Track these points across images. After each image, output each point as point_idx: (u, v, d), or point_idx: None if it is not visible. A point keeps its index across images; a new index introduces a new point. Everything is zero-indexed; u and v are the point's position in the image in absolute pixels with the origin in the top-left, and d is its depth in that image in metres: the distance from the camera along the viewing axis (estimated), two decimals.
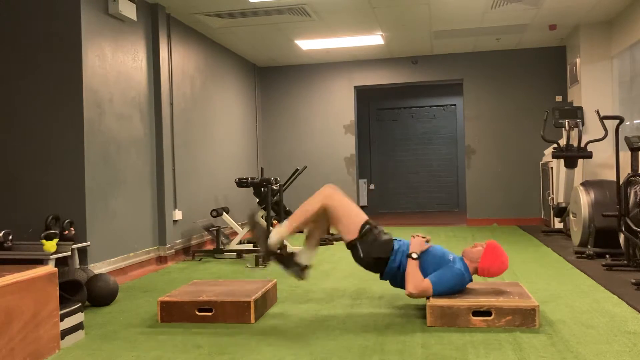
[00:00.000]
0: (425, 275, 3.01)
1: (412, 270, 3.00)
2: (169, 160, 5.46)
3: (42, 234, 3.79)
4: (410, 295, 3.00)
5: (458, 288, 3.02)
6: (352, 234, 3.09)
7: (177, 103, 5.76)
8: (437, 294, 2.97)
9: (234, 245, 5.72)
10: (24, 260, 3.74)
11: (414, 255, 3.03)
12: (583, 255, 4.81)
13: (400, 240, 3.16)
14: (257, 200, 5.83)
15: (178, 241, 5.65)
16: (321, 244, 5.53)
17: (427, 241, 3.15)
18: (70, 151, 4.26)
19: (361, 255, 3.09)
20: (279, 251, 3.17)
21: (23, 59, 4.31)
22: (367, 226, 3.09)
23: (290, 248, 3.29)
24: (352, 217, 3.10)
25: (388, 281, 3.20)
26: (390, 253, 3.08)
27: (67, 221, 4.12)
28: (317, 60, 8.28)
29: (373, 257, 3.08)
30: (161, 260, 5.31)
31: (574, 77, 6.97)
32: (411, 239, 3.14)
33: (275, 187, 5.79)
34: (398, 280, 3.12)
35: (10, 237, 3.87)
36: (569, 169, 5.95)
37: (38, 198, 4.29)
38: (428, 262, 3.05)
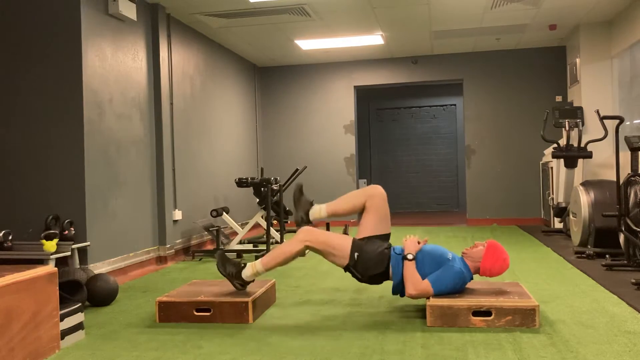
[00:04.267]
0: (424, 275, 3.02)
1: (410, 271, 3.00)
2: (169, 160, 5.46)
3: (42, 234, 3.79)
4: (411, 296, 3.00)
5: (459, 287, 3.02)
6: (344, 259, 3.12)
7: (177, 103, 5.76)
8: (438, 293, 2.97)
9: (234, 245, 5.72)
10: (24, 260, 3.74)
11: (410, 257, 3.03)
12: (583, 255, 4.81)
13: (397, 253, 3.12)
14: (257, 200, 5.83)
15: (178, 241, 5.65)
16: None
17: (425, 241, 3.15)
18: (70, 151, 4.26)
19: (359, 276, 3.14)
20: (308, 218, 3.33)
21: (23, 59, 4.31)
22: (356, 251, 3.10)
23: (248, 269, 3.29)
24: (338, 247, 3.12)
25: (392, 286, 3.20)
26: (385, 265, 3.09)
27: (67, 221, 4.12)
28: (317, 60, 8.28)
29: (370, 275, 3.12)
30: (161, 260, 5.31)
31: (574, 77, 6.97)
32: (404, 241, 3.15)
33: (275, 187, 5.79)
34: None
35: (10, 237, 3.88)
36: (569, 169, 5.95)
37: (38, 198, 4.29)
38: (426, 261, 3.05)
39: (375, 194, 3.24)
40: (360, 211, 3.27)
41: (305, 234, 3.12)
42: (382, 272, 3.10)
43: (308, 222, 3.33)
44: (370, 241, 3.16)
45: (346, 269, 3.14)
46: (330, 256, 3.13)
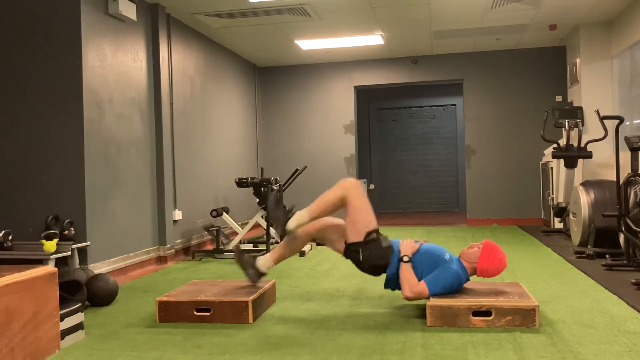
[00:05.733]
0: (422, 275, 3.02)
1: (406, 273, 3.01)
2: (169, 160, 5.46)
3: (42, 234, 3.79)
4: (407, 299, 3.01)
5: (455, 288, 3.02)
6: (359, 235, 3.08)
7: (177, 103, 5.76)
8: (434, 294, 2.97)
9: (234, 245, 5.72)
10: (24, 260, 3.74)
11: (405, 259, 3.03)
12: (583, 255, 4.81)
13: (395, 245, 3.14)
14: (257, 200, 5.83)
15: (178, 241, 5.65)
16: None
17: (424, 241, 3.15)
18: (70, 151, 4.26)
19: (361, 259, 3.09)
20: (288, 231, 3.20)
21: (23, 59, 4.31)
22: (374, 234, 3.09)
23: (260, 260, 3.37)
24: (366, 217, 3.09)
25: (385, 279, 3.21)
26: (388, 260, 3.09)
27: (67, 221, 4.12)
28: (317, 60, 8.28)
29: (372, 264, 3.10)
30: (161, 260, 5.31)
31: (574, 77, 6.97)
32: (401, 242, 3.14)
33: (275, 187, 5.79)
34: (398, 284, 3.12)
35: (10, 237, 3.87)
36: (569, 169, 5.95)
37: (38, 198, 4.29)
38: (423, 261, 3.05)
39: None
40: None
41: (352, 183, 3.11)
42: (384, 265, 3.10)
43: (288, 231, 3.21)
44: (381, 235, 3.16)
45: (352, 246, 3.10)
46: (352, 219, 3.07)
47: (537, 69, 7.88)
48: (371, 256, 3.07)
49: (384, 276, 3.21)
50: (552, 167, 6.86)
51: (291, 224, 3.15)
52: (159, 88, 5.35)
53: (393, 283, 3.13)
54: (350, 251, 3.13)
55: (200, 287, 3.41)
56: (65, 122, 4.27)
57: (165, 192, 5.35)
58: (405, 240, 3.16)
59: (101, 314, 3.38)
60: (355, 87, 8.42)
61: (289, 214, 3.21)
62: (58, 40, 4.27)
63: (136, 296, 3.87)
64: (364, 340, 2.70)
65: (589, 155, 5.88)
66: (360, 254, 3.08)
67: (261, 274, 3.34)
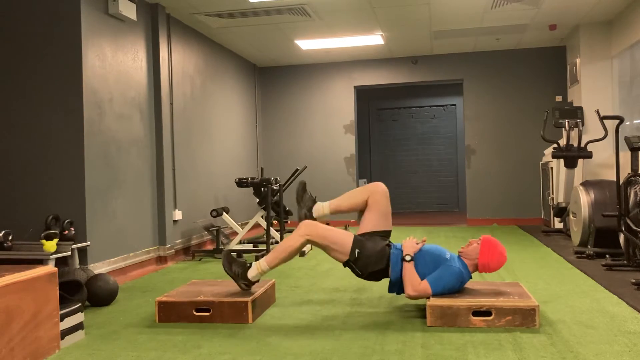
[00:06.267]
0: (423, 275, 3.02)
1: (409, 272, 3.01)
2: (169, 160, 5.46)
3: (42, 234, 3.79)
4: (410, 297, 3.01)
5: (458, 287, 3.02)
6: (345, 255, 3.12)
7: (177, 103, 5.76)
8: (437, 293, 2.97)
9: (234, 245, 5.72)
10: (24, 260, 3.74)
11: (408, 258, 3.04)
12: (583, 255, 4.81)
13: (397, 249, 3.14)
14: (257, 200, 5.84)
15: (178, 241, 5.65)
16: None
17: (424, 242, 3.16)
18: (70, 151, 4.26)
19: (359, 273, 3.14)
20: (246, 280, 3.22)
21: (23, 59, 4.31)
22: (357, 248, 3.10)
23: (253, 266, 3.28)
24: (338, 242, 3.11)
25: (389, 284, 3.21)
26: (385, 262, 3.09)
27: (67, 221, 4.12)
28: (317, 60, 8.28)
29: (370, 272, 3.12)
30: (161, 260, 5.31)
31: (574, 77, 6.97)
32: (403, 242, 3.15)
33: (275, 187, 5.79)
34: (403, 288, 3.12)
35: (10, 237, 3.87)
36: (569, 169, 5.95)
37: (38, 198, 4.29)
38: (425, 262, 3.05)
39: (376, 191, 3.25)
40: (363, 208, 3.28)
41: (307, 228, 3.12)
42: (382, 269, 3.11)
43: (312, 219, 3.32)
44: (371, 238, 3.16)
45: (346, 264, 3.15)
46: (331, 251, 3.13)
47: (537, 69, 7.88)
48: (366, 265, 3.10)
49: (385, 280, 3.21)
50: (552, 167, 6.86)
51: (251, 273, 3.16)
52: (159, 88, 5.35)
53: (397, 287, 3.12)
54: (349, 268, 3.18)
55: (200, 287, 3.41)
56: (66, 122, 4.27)
57: (165, 192, 5.35)
58: (408, 239, 3.16)
59: (101, 314, 3.38)
60: (355, 87, 8.42)
61: (314, 202, 3.37)
62: (58, 40, 4.27)
63: (136, 296, 3.87)
64: (364, 340, 2.70)
65: (589, 155, 5.88)
66: (356, 268, 3.13)
67: (252, 283, 3.22)
